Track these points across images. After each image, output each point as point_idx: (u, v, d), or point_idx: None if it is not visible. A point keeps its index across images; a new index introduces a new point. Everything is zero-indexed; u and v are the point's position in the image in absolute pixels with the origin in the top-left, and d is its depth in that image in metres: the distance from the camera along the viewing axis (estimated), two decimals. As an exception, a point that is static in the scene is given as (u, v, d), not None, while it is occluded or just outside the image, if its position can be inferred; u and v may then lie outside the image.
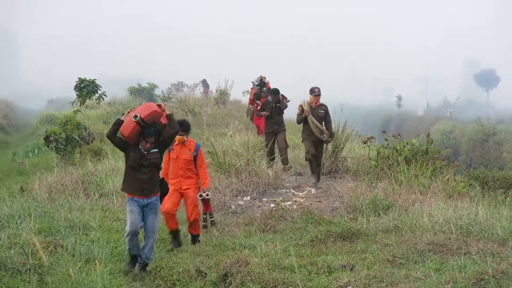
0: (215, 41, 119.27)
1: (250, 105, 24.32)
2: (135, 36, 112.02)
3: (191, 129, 10.86)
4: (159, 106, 8.89)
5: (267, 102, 17.94)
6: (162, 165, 9.67)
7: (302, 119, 15.26)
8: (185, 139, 10.42)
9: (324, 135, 15.17)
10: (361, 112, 60.61)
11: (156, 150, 8.78)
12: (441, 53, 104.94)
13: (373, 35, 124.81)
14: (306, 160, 15.91)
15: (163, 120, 8.85)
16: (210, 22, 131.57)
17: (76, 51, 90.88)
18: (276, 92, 17.84)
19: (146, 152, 8.69)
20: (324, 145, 15.83)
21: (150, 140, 8.59)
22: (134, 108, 8.92)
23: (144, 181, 8.71)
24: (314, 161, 15.41)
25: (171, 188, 10.01)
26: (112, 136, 8.65)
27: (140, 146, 8.68)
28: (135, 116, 8.43)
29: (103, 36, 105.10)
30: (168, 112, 8.95)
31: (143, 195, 8.73)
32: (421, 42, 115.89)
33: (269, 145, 17.31)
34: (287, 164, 17.14)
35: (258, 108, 19.24)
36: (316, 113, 15.21)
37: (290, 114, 20.68)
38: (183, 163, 10.40)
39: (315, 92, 15.26)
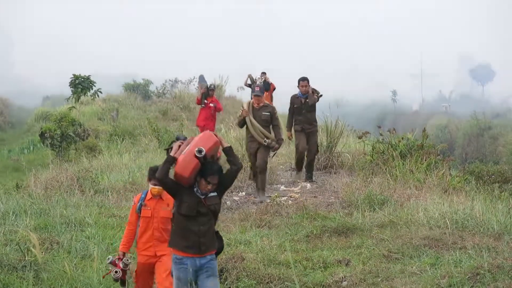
0: (212, 37, 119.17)
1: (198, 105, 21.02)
2: (130, 33, 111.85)
3: None
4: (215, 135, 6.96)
5: (294, 98, 15.09)
6: (126, 226, 7.94)
7: (241, 120, 13.51)
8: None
9: (266, 139, 13.20)
10: (356, 107, 60.73)
11: (215, 194, 6.87)
12: (436, 48, 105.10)
13: (368, 30, 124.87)
14: (250, 179, 14.40)
15: (218, 153, 7.10)
16: (207, 19, 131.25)
17: (71, 47, 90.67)
18: (303, 78, 14.98)
19: (203, 197, 6.80)
20: (271, 152, 13.76)
21: (214, 180, 6.74)
22: (183, 139, 7.00)
23: (201, 234, 6.79)
24: (257, 172, 13.57)
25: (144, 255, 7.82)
26: (165, 177, 6.75)
27: (195, 189, 6.80)
28: (200, 151, 6.56)
29: (98, 33, 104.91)
30: (226, 144, 6.97)
31: (199, 252, 6.78)
32: (416, 37, 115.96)
33: (300, 148, 15.00)
34: (311, 175, 15.26)
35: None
36: (259, 116, 13.30)
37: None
38: (160, 222, 7.86)
39: (255, 92, 13.46)
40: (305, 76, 15.01)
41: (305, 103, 14.87)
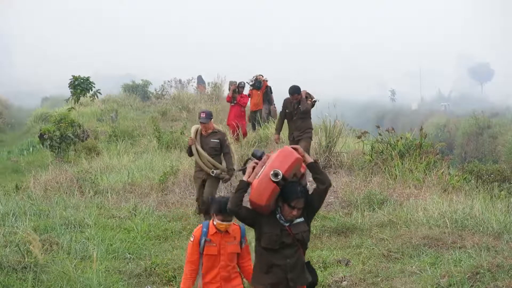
0: (211, 38, 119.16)
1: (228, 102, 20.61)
2: (129, 33, 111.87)
3: None
4: (296, 150, 5.83)
5: (287, 102, 13.95)
6: (187, 266, 6.73)
7: (188, 149, 11.95)
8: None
9: (214, 170, 11.54)
10: (355, 107, 60.63)
11: (302, 219, 5.82)
12: (435, 47, 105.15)
13: (366, 30, 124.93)
14: (197, 213, 12.35)
15: (303, 169, 5.97)
16: (207, 20, 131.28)
17: (70, 48, 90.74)
18: (293, 91, 13.70)
19: (288, 224, 5.77)
20: (221, 182, 12.13)
21: (299, 204, 5.67)
22: (259, 156, 5.93)
23: (288, 268, 5.77)
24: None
25: None
26: (239, 208, 5.81)
27: (277, 215, 5.79)
28: (276, 174, 5.56)
29: (97, 33, 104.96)
30: (310, 160, 5.87)
31: None
32: (415, 36, 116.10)
33: None
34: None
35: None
36: (207, 143, 11.75)
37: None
38: (227, 259, 6.71)
39: (200, 118, 11.76)
40: (296, 85, 13.75)
41: (297, 109, 13.70)
